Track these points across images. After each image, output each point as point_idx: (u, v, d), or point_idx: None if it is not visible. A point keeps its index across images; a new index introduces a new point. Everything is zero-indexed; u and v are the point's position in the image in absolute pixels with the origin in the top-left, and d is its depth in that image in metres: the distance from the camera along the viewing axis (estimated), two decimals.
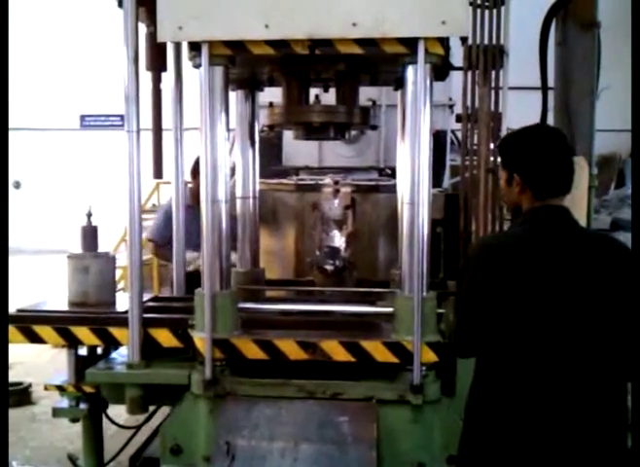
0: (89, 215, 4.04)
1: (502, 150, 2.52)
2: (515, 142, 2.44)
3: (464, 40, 3.62)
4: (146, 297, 4.10)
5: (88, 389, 3.72)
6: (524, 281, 2.26)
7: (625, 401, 2.34)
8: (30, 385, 6.29)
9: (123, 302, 3.82)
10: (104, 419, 3.99)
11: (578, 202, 3.73)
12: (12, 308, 3.71)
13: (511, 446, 2.30)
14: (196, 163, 4.62)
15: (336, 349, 3.38)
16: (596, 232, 2.44)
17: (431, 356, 3.33)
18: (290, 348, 3.41)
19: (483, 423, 2.38)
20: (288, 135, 6.41)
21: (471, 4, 3.57)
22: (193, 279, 4.33)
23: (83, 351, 3.84)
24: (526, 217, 2.38)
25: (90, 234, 4.05)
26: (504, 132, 3.83)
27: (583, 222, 3.68)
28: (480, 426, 2.40)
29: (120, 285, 9.58)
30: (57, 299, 4.10)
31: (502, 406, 2.32)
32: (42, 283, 11.68)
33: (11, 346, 3.54)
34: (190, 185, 5.09)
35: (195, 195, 4.66)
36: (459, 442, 2.57)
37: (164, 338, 3.60)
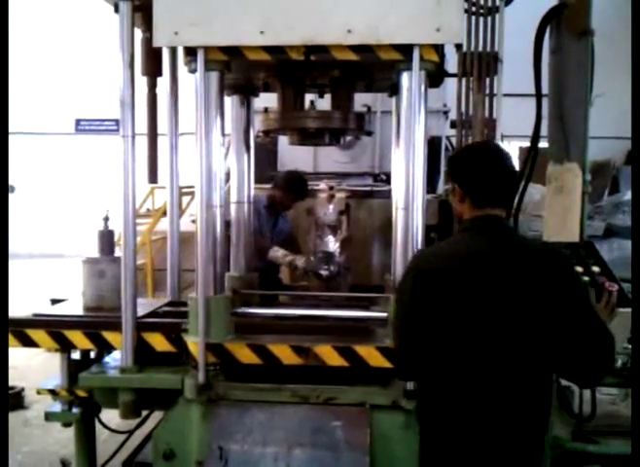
0: (106, 219, 4.03)
1: (449, 163, 2.63)
2: (459, 156, 2.58)
3: (459, 47, 3.64)
4: (160, 302, 4.13)
5: (80, 393, 3.72)
6: (458, 294, 2.31)
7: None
8: (23, 389, 6.27)
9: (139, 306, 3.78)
10: (97, 424, 3.98)
11: (572, 208, 3.75)
12: (19, 313, 3.73)
13: (457, 456, 2.38)
14: (283, 179, 4.96)
15: (329, 354, 3.39)
16: (532, 239, 2.49)
17: None
18: (284, 353, 3.41)
19: (432, 436, 2.46)
20: (283, 141, 6.42)
21: (466, 11, 3.59)
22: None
23: (76, 355, 3.83)
24: (464, 226, 2.48)
25: (107, 238, 4.03)
26: (498, 139, 3.86)
27: (576, 228, 3.71)
28: (429, 438, 2.49)
29: None
30: (73, 303, 4.09)
31: (447, 420, 2.39)
32: (37, 287, 11.67)
33: None
34: (270, 192, 5.31)
35: (275, 201, 4.89)
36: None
37: (158, 342, 3.60)
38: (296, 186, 5.23)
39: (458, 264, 2.33)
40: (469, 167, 2.43)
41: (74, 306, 4.01)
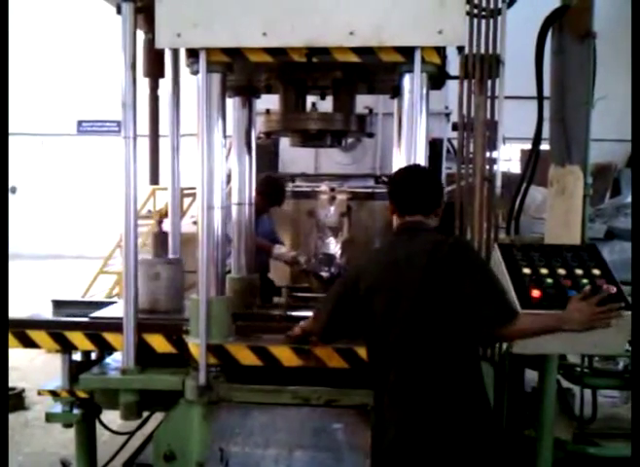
0: (160, 221, 4.02)
1: (388, 183, 3.14)
2: (390, 177, 3.09)
3: (460, 49, 3.63)
4: None
5: (81, 394, 3.72)
6: (378, 285, 2.77)
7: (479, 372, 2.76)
8: (24, 390, 6.27)
9: None
10: (97, 425, 3.98)
11: (573, 211, 3.75)
12: (19, 314, 3.73)
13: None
14: (259, 184, 4.86)
15: (330, 356, 3.38)
16: (442, 236, 2.81)
17: None
18: (284, 355, 3.41)
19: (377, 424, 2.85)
20: (284, 142, 6.42)
21: (467, 13, 3.58)
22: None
23: (77, 356, 3.83)
24: (393, 232, 3.04)
25: (161, 240, 4.02)
26: (500, 141, 3.85)
27: (578, 230, 3.70)
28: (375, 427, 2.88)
29: (115, 291, 9.60)
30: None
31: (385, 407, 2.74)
32: (38, 288, 11.67)
33: None
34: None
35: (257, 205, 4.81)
36: None
37: (159, 343, 3.60)
38: (270, 191, 5.24)
39: (380, 261, 2.84)
40: (393, 185, 2.96)
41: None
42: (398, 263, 2.74)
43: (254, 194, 4.61)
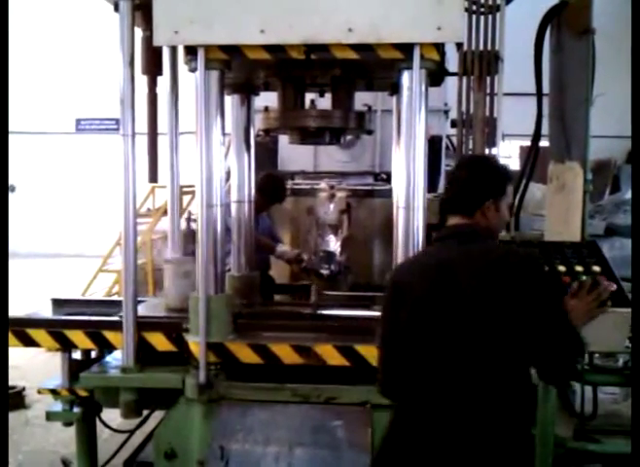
0: (189, 219, 4.01)
1: None
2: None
3: (459, 46, 3.63)
4: None
5: (81, 393, 3.72)
6: (429, 304, 2.36)
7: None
8: (24, 389, 6.27)
9: None
10: (98, 423, 3.98)
11: (573, 207, 3.75)
12: (19, 312, 3.72)
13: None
14: (259, 182, 4.86)
15: (330, 353, 3.38)
16: (496, 245, 2.50)
17: None
18: (284, 352, 3.41)
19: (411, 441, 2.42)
20: (283, 140, 6.41)
21: (466, 10, 3.59)
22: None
23: (77, 355, 3.83)
24: (436, 236, 2.61)
25: (191, 239, 4.00)
26: (499, 138, 3.85)
27: (578, 227, 3.70)
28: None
29: (114, 289, 9.60)
30: (153, 304, 4.10)
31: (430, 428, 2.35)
32: (36, 287, 11.67)
33: None
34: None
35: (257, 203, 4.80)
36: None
37: (159, 342, 3.60)
38: (270, 189, 5.23)
39: (427, 275, 2.40)
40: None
41: (154, 307, 4.01)
42: (450, 277, 2.34)
43: (254, 192, 4.61)
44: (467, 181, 2.48)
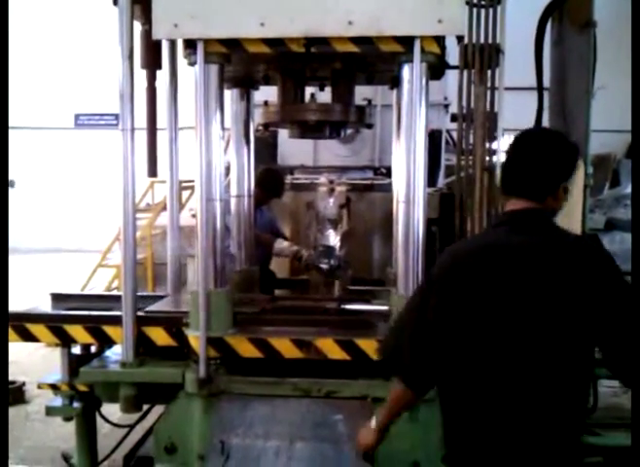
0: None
1: None
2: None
3: (460, 39, 3.61)
4: None
5: (81, 388, 3.71)
6: (492, 294, 2.16)
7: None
8: (24, 384, 6.27)
9: None
10: (98, 418, 3.98)
11: (573, 202, 3.74)
12: (18, 307, 3.71)
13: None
14: (258, 176, 4.84)
15: (331, 347, 3.38)
16: (565, 232, 2.27)
17: None
18: (285, 346, 3.40)
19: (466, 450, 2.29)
20: (283, 134, 6.40)
21: (467, 3, 3.57)
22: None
23: (77, 350, 3.83)
24: (497, 221, 2.38)
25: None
26: (500, 132, 3.83)
27: (578, 221, 3.69)
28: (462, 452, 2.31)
29: (114, 284, 9.59)
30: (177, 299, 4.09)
31: (481, 424, 2.21)
32: (38, 281, 11.66)
33: None
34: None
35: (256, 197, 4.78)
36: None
37: (159, 336, 3.59)
38: (269, 184, 5.25)
39: (496, 264, 2.16)
40: (507, 155, 2.31)
41: (179, 303, 3.99)
42: (518, 264, 2.14)
43: (253, 186, 4.61)
44: (541, 161, 2.21)
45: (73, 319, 3.70)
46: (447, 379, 2.28)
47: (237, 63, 3.78)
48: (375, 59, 3.72)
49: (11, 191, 17.29)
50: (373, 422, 2.52)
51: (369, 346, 3.35)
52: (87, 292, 8.90)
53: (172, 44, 3.94)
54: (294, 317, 3.74)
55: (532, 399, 2.15)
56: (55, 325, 3.65)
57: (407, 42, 3.23)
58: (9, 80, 3.54)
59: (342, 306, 3.86)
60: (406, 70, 3.33)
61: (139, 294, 3.69)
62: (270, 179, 5.26)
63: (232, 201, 4.44)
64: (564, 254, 2.14)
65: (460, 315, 2.18)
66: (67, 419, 3.94)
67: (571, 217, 3.70)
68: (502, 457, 2.19)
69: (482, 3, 3.65)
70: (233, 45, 3.33)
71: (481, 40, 3.66)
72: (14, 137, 15.94)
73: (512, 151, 2.28)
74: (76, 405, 3.78)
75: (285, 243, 4.99)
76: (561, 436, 2.17)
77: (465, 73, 3.68)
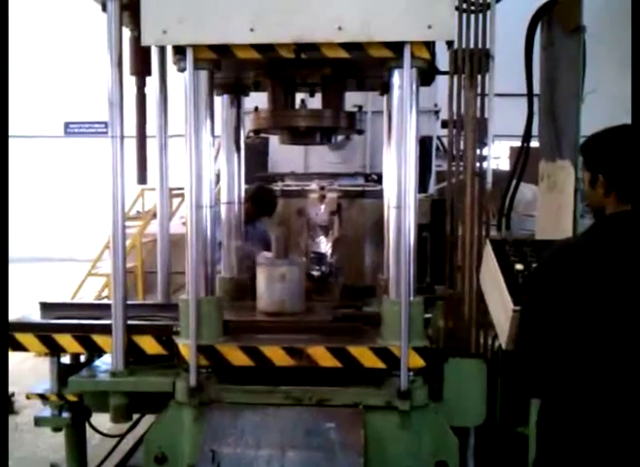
0: (280, 223, 3.97)
1: (586, 150, 2.43)
2: (602, 142, 2.34)
3: (450, 44, 3.61)
4: None
5: (71, 398, 3.67)
6: (611, 299, 2.13)
7: None
8: (13, 394, 6.20)
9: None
10: (88, 428, 3.94)
11: (564, 206, 3.73)
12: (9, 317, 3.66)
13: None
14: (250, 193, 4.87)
15: (322, 355, 3.36)
16: None
17: (418, 361, 3.31)
18: (276, 355, 3.38)
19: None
20: (274, 141, 6.39)
21: (457, 8, 3.57)
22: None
23: (66, 359, 3.79)
24: (609, 223, 2.28)
25: (282, 242, 3.99)
26: (490, 138, 3.83)
27: (569, 226, 3.69)
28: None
29: (104, 293, 9.54)
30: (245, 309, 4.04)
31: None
32: (28, 291, 11.58)
33: None
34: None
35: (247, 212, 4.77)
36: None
37: (149, 345, 3.56)
38: (260, 202, 5.30)
39: (610, 261, 2.15)
40: (619, 157, 2.22)
41: (250, 312, 3.95)
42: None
43: (244, 201, 4.60)
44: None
45: (62, 328, 3.66)
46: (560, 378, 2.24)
47: (227, 69, 3.77)
48: (366, 65, 3.72)
49: None
50: None
51: (360, 354, 3.34)
52: (76, 301, 8.85)
53: (162, 50, 3.93)
54: (284, 324, 3.71)
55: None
56: (45, 334, 3.62)
57: (396, 47, 3.23)
58: (8, 90, 3.51)
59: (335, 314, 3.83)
60: (396, 76, 3.32)
61: (129, 302, 3.66)
62: (261, 197, 5.34)
63: (223, 208, 4.42)
64: None
65: (578, 318, 2.15)
66: (56, 430, 3.89)
67: (560, 221, 3.69)
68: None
69: (472, 8, 3.65)
70: (223, 51, 3.32)
71: (471, 45, 3.65)
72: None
73: (631, 153, 2.19)
74: (65, 415, 3.74)
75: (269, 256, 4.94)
76: None
77: (455, 79, 3.68)
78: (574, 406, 2.22)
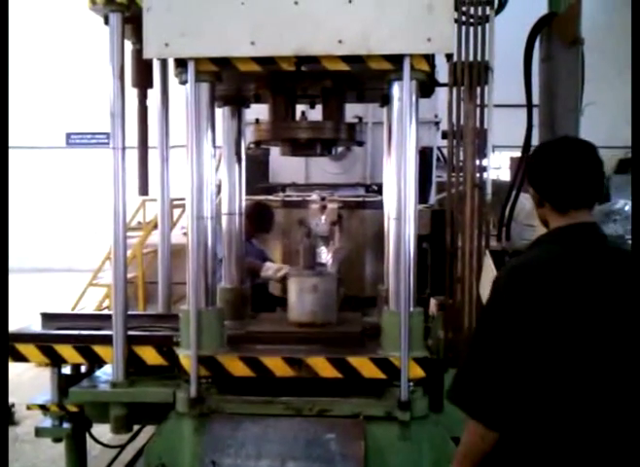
0: (308, 234, 3.98)
1: (526, 167, 2.42)
2: (533, 156, 2.33)
3: (449, 57, 3.64)
4: None
5: (71, 408, 3.68)
6: (565, 317, 2.05)
7: None
8: (13, 405, 6.19)
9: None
10: (88, 439, 3.94)
11: None
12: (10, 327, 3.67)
13: None
14: (248, 210, 4.84)
15: (322, 366, 3.36)
16: (620, 246, 2.26)
17: (418, 372, 3.32)
18: (276, 365, 3.38)
19: None
20: (275, 152, 6.40)
21: (456, 21, 3.60)
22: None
23: (66, 370, 3.79)
24: (551, 237, 2.24)
25: (310, 253, 3.99)
26: (489, 149, 3.85)
27: None
28: None
29: (105, 304, 9.54)
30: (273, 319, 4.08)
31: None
32: (29, 301, 11.58)
33: None
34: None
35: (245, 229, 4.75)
36: None
37: (149, 355, 3.57)
38: (257, 219, 5.34)
39: (561, 277, 2.08)
40: (543, 167, 2.19)
41: (276, 324, 3.96)
42: (589, 287, 2.07)
43: (244, 217, 4.62)
44: (596, 169, 2.17)
45: (63, 339, 3.67)
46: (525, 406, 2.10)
47: (228, 81, 3.79)
48: (366, 77, 3.74)
49: None
50: None
51: (360, 364, 3.34)
52: (77, 311, 8.84)
53: (163, 63, 3.95)
54: (284, 335, 3.72)
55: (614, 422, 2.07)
56: (45, 345, 3.62)
57: (396, 60, 3.25)
58: (8, 100, 3.53)
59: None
60: (396, 88, 3.34)
61: (130, 313, 3.67)
62: (258, 215, 5.37)
63: (224, 219, 4.43)
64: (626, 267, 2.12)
65: (544, 340, 2.05)
66: (57, 440, 3.89)
67: None
68: None
69: (471, 21, 3.68)
70: (224, 63, 3.34)
71: (470, 58, 3.68)
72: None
73: (563, 162, 2.16)
74: (66, 426, 3.74)
75: (271, 270, 4.94)
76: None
77: (454, 90, 3.71)
78: (542, 441, 2.10)
